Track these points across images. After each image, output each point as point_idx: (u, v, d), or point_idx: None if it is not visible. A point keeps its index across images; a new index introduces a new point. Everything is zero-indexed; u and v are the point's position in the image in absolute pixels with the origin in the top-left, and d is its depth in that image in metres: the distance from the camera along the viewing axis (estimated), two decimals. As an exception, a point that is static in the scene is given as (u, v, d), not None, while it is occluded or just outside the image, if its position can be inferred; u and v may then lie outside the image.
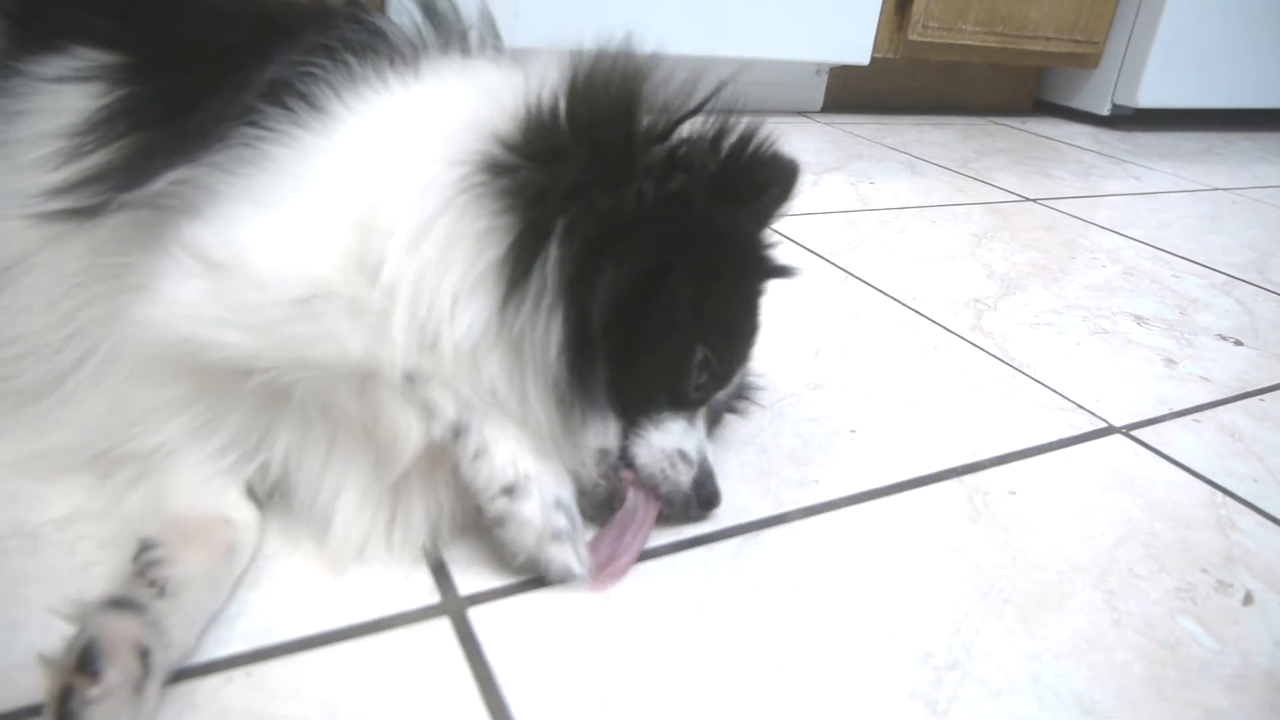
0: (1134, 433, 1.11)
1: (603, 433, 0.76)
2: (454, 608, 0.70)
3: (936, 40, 2.77)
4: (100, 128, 0.88)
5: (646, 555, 0.78)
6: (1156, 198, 2.36)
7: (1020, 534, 0.88)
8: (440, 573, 0.74)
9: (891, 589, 0.78)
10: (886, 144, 2.58)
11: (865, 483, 0.93)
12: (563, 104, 0.75)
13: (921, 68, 3.06)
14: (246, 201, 0.76)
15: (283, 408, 0.74)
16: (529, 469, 0.72)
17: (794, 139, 2.42)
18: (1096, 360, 1.31)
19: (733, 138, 0.77)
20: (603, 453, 0.77)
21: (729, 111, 0.77)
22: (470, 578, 0.73)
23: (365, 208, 0.74)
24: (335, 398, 0.72)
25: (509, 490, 0.71)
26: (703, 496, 0.79)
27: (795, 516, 0.86)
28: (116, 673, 0.55)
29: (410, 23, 0.90)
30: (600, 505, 0.78)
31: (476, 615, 0.70)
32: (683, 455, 0.78)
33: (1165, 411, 1.18)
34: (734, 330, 0.83)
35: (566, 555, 0.71)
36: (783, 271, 0.86)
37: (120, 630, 0.58)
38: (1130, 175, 2.59)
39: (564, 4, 2.05)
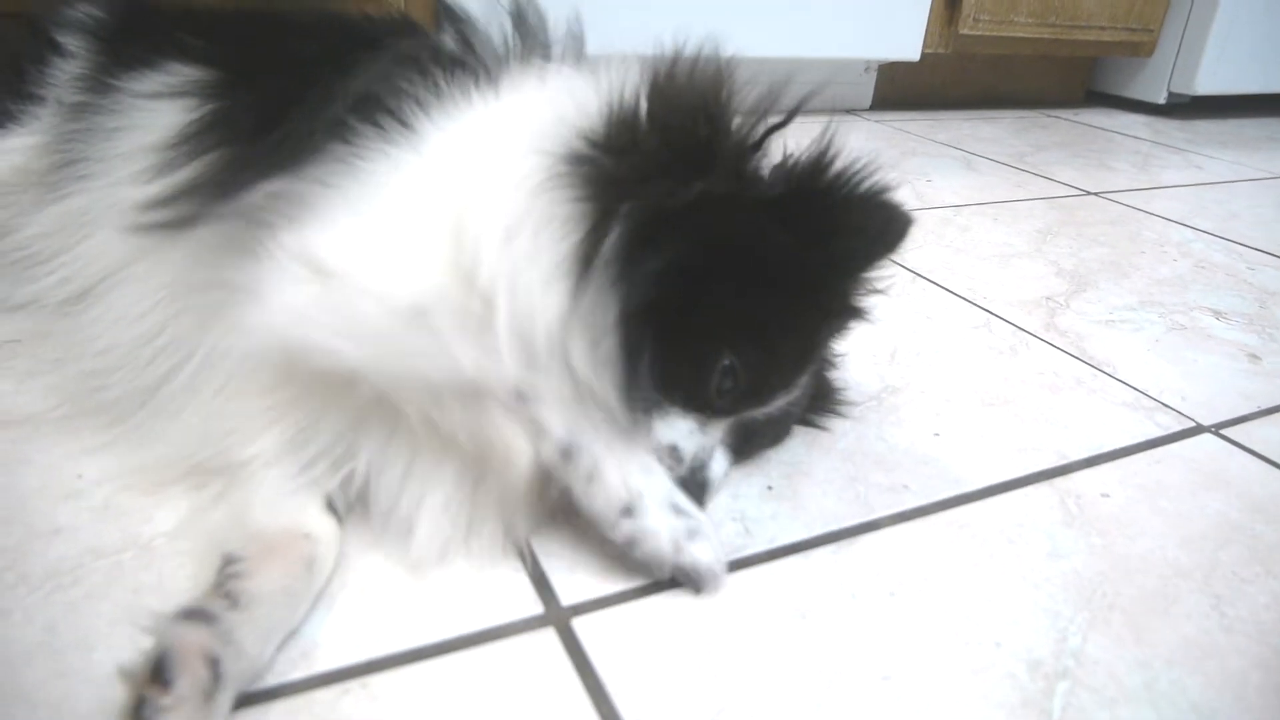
0: (1224, 431, 1.08)
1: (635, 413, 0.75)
2: (558, 618, 0.71)
3: (988, 34, 2.73)
4: (192, 141, 0.90)
5: (740, 563, 0.78)
6: (1222, 187, 2.30)
7: (1118, 538, 0.86)
8: (541, 583, 0.74)
9: (992, 595, 0.77)
10: (939, 140, 2.55)
11: (955, 487, 0.92)
12: (643, 102, 0.76)
13: (971, 61, 3.02)
14: (346, 211, 0.77)
15: (372, 417, 0.75)
16: (639, 484, 0.72)
17: (846, 138, 2.40)
18: (1177, 357, 1.28)
19: (828, 173, 0.76)
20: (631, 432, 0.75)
21: (834, 141, 0.76)
22: (571, 587, 0.74)
23: (459, 221, 0.74)
24: (442, 413, 0.72)
25: (627, 510, 0.71)
26: (696, 496, 0.77)
27: (887, 522, 0.85)
28: (187, 682, 0.56)
29: (498, 32, 0.91)
30: None
31: (580, 625, 0.70)
32: (673, 451, 0.76)
33: (1254, 409, 1.15)
34: (773, 350, 0.79)
35: (707, 554, 0.72)
36: (853, 313, 0.85)
37: (191, 640, 0.59)
38: (1192, 165, 2.53)
39: (617, 10, 2.05)
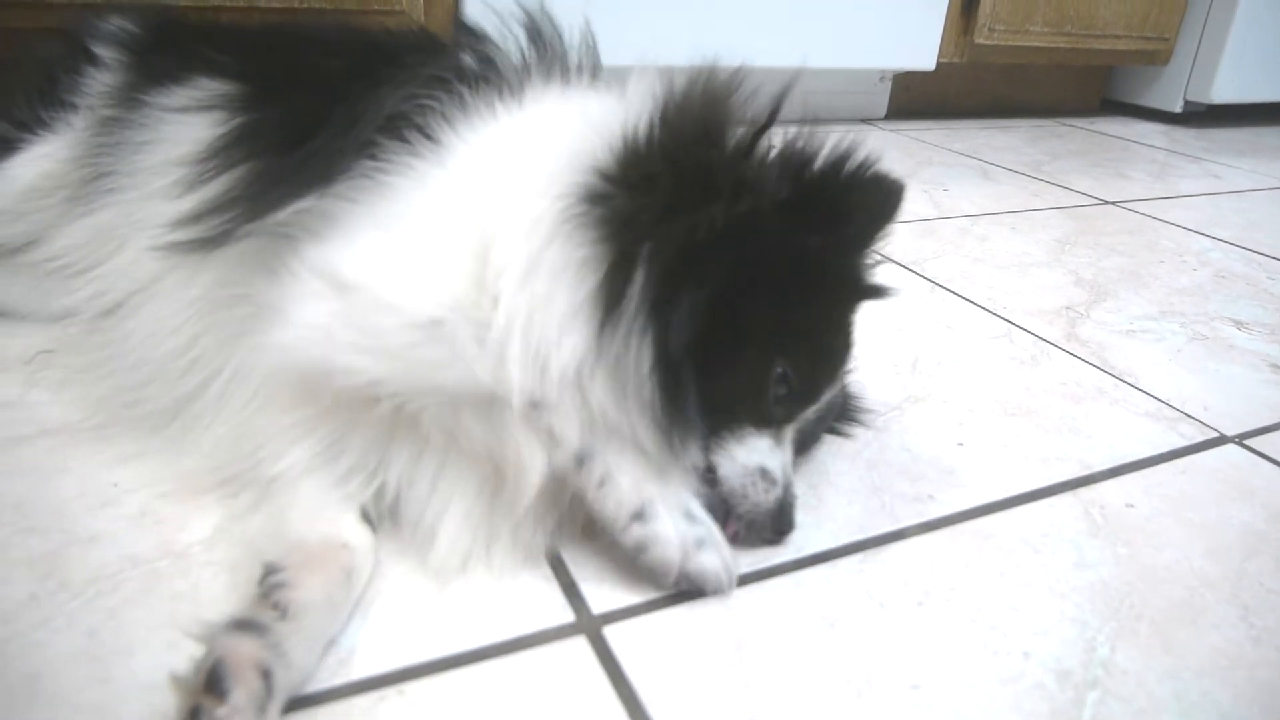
0: (1247, 442, 1.08)
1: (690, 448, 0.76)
2: (589, 626, 0.71)
3: (1003, 43, 2.74)
4: (220, 155, 0.91)
5: (769, 572, 0.79)
6: (1240, 196, 2.30)
7: (1144, 548, 0.87)
8: (571, 591, 0.75)
9: (1019, 605, 0.77)
10: (955, 149, 2.56)
11: (979, 497, 0.92)
12: (656, 131, 0.76)
13: (985, 70, 3.03)
14: (369, 226, 0.78)
15: (400, 430, 0.76)
16: (652, 491, 0.72)
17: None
18: (1199, 367, 1.28)
19: (818, 162, 0.76)
20: (692, 468, 0.76)
21: (815, 131, 0.77)
22: (602, 595, 0.74)
23: (481, 237, 0.75)
24: (460, 423, 0.73)
25: (639, 515, 0.72)
26: (781, 522, 0.78)
27: (913, 532, 0.86)
28: (242, 693, 0.57)
29: (515, 48, 0.92)
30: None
31: (612, 633, 0.71)
32: (765, 473, 0.77)
33: (1278, 420, 1.15)
34: (817, 347, 0.81)
35: (715, 562, 0.72)
36: (876, 292, 0.85)
37: (245, 652, 0.60)
38: (1209, 174, 2.53)
39: (631, 22, 2.07)
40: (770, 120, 0.77)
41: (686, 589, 0.74)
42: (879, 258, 0.86)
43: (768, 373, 0.77)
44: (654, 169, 0.73)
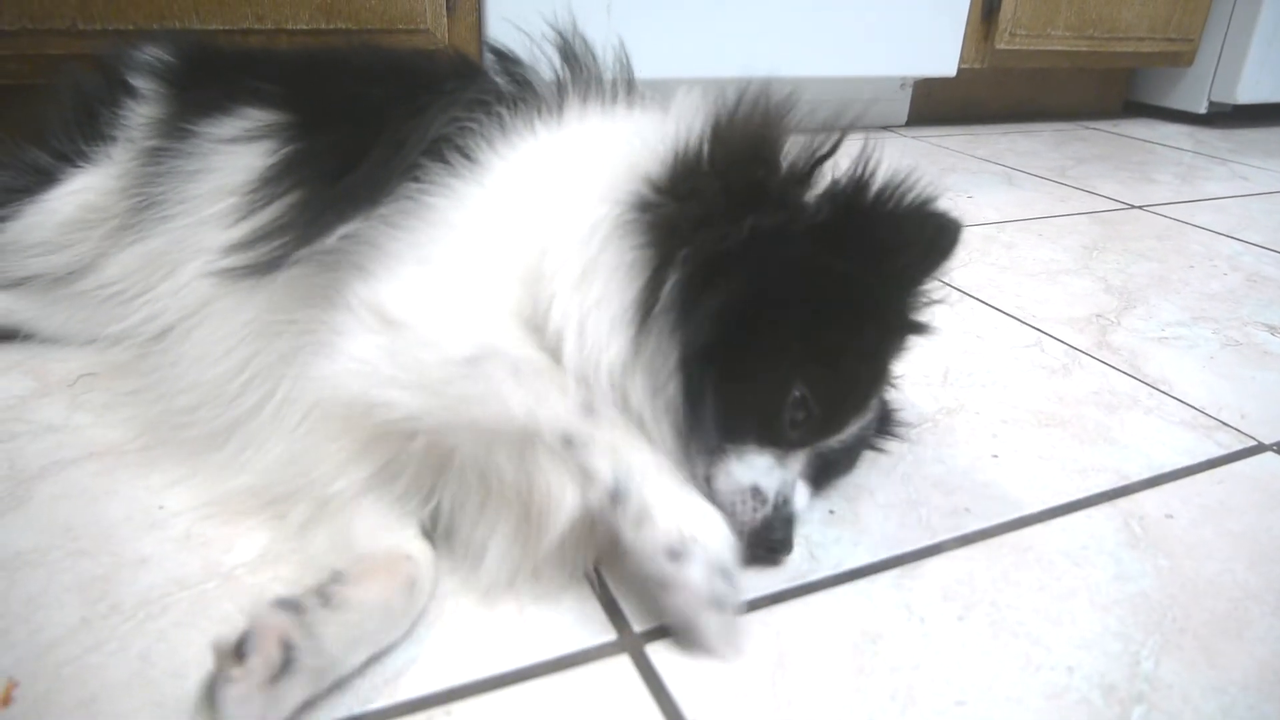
0: (1286, 449, 1.07)
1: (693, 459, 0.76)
2: (632, 645, 0.72)
3: (1025, 47, 2.73)
4: (271, 184, 0.93)
5: (809, 588, 0.79)
6: (1270, 198, 2.27)
7: (1184, 559, 0.86)
8: (613, 609, 0.75)
9: (1061, 619, 0.77)
10: (978, 155, 2.55)
11: (1016, 509, 0.92)
12: (706, 147, 0.78)
13: (1007, 75, 3.01)
14: (413, 258, 0.79)
15: (451, 457, 0.77)
16: (694, 531, 0.69)
17: (884, 154, 2.40)
18: (1233, 374, 1.27)
19: (871, 190, 0.76)
20: (690, 479, 0.76)
21: (873, 157, 0.77)
22: (642, 614, 0.75)
23: (531, 256, 0.76)
24: (493, 460, 0.72)
25: (673, 554, 0.69)
26: (767, 540, 0.76)
27: (950, 546, 0.86)
28: (258, 660, 0.59)
29: (551, 70, 0.94)
30: None
31: (654, 651, 0.71)
32: (756, 492, 0.76)
33: (1316, 426, 1.13)
34: (843, 375, 0.80)
35: (723, 629, 0.70)
36: (917, 328, 0.84)
37: (273, 623, 0.62)
38: (1236, 175, 2.50)
39: (660, 36, 2.08)
40: (833, 150, 0.78)
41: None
42: (933, 296, 0.85)
43: (784, 394, 0.76)
44: (701, 181, 0.76)
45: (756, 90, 0.81)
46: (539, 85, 0.92)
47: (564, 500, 0.70)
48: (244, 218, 0.91)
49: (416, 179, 0.82)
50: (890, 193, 0.77)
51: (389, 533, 0.75)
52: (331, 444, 0.78)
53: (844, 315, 0.78)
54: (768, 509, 0.76)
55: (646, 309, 0.73)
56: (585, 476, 0.70)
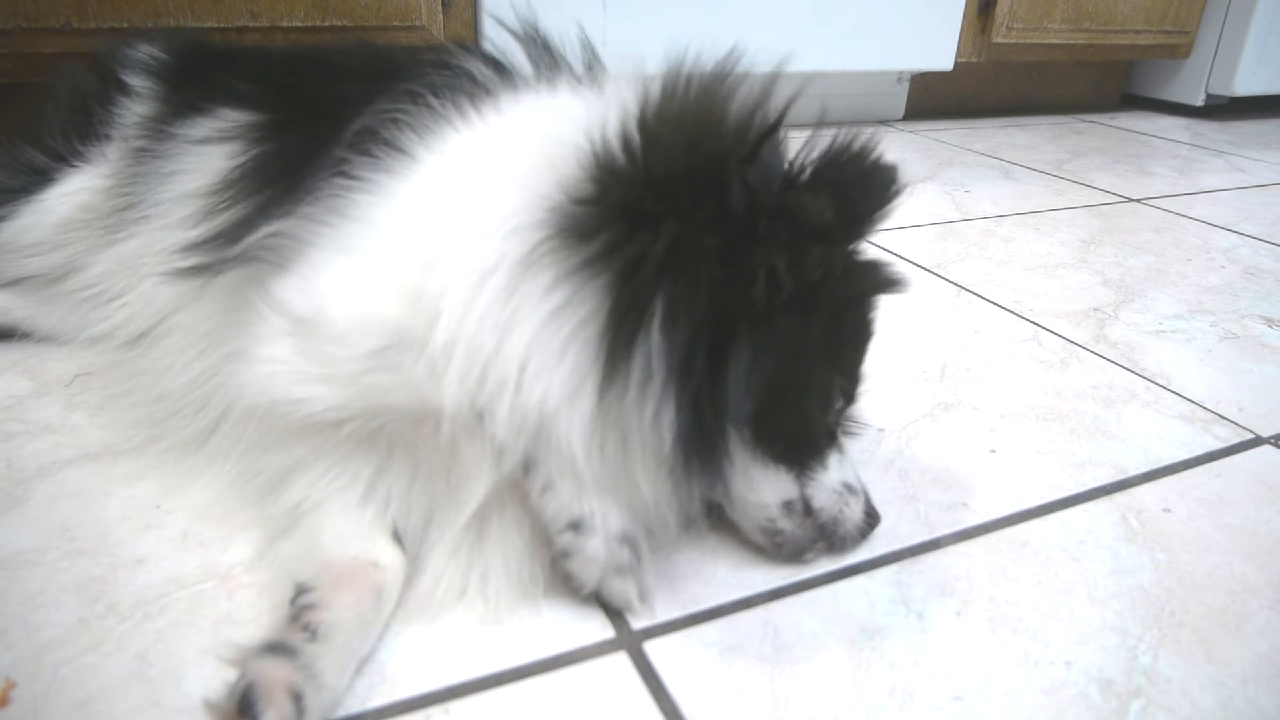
0: (1284, 442, 1.07)
1: (780, 485, 0.76)
2: (630, 642, 0.72)
3: (1021, 41, 2.72)
4: (234, 186, 0.91)
5: (807, 584, 0.79)
6: (1267, 190, 2.27)
7: (1182, 553, 0.86)
8: (610, 608, 0.75)
9: (1059, 613, 0.77)
10: (975, 149, 2.54)
11: (1014, 504, 0.92)
12: (635, 141, 0.70)
13: (1004, 68, 3.01)
14: (329, 251, 0.77)
15: (394, 458, 0.77)
16: (593, 505, 0.71)
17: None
18: (1231, 367, 1.27)
19: (840, 162, 0.72)
20: (788, 505, 0.77)
21: (825, 131, 0.73)
22: (639, 611, 0.75)
23: (428, 255, 0.72)
24: (419, 438, 0.73)
25: (575, 525, 0.71)
26: (872, 523, 0.81)
27: (948, 541, 0.86)
28: (273, 716, 0.58)
29: (500, 56, 0.90)
30: (797, 553, 0.79)
31: (652, 649, 0.71)
32: (850, 488, 0.79)
33: (1314, 419, 1.14)
34: (858, 350, 0.82)
35: (628, 589, 0.73)
36: (896, 286, 0.81)
37: (276, 675, 0.60)
38: (1234, 168, 2.50)
39: (646, 26, 2.07)
40: (775, 127, 0.72)
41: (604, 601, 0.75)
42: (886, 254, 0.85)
43: (831, 389, 0.78)
44: (641, 195, 0.68)
45: (687, 74, 0.75)
46: (479, 75, 0.86)
47: (481, 470, 0.71)
48: (205, 220, 0.90)
49: (343, 174, 0.79)
50: (858, 162, 0.72)
51: (356, 540, 0.74)
52: (281, 455, 0.78)
53: (853, 295, 0.78)
54: (861, 498, 0.80)
55: (607, 368, 0.67)
56: (499, 449, 0.70)
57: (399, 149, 0.78)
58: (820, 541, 0.79)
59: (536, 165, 0.72)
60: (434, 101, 0.81)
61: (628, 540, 0.73)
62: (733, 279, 0.68)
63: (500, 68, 0.89)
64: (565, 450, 0.69)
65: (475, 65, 0.87)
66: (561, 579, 0.76)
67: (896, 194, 0.74)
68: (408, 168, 0.77)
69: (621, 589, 0.73)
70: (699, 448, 0.70)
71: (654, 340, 0.66)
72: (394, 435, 0.75)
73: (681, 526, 0.79)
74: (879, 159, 0.73)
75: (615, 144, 0.70)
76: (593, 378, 0.67)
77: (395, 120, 0.80)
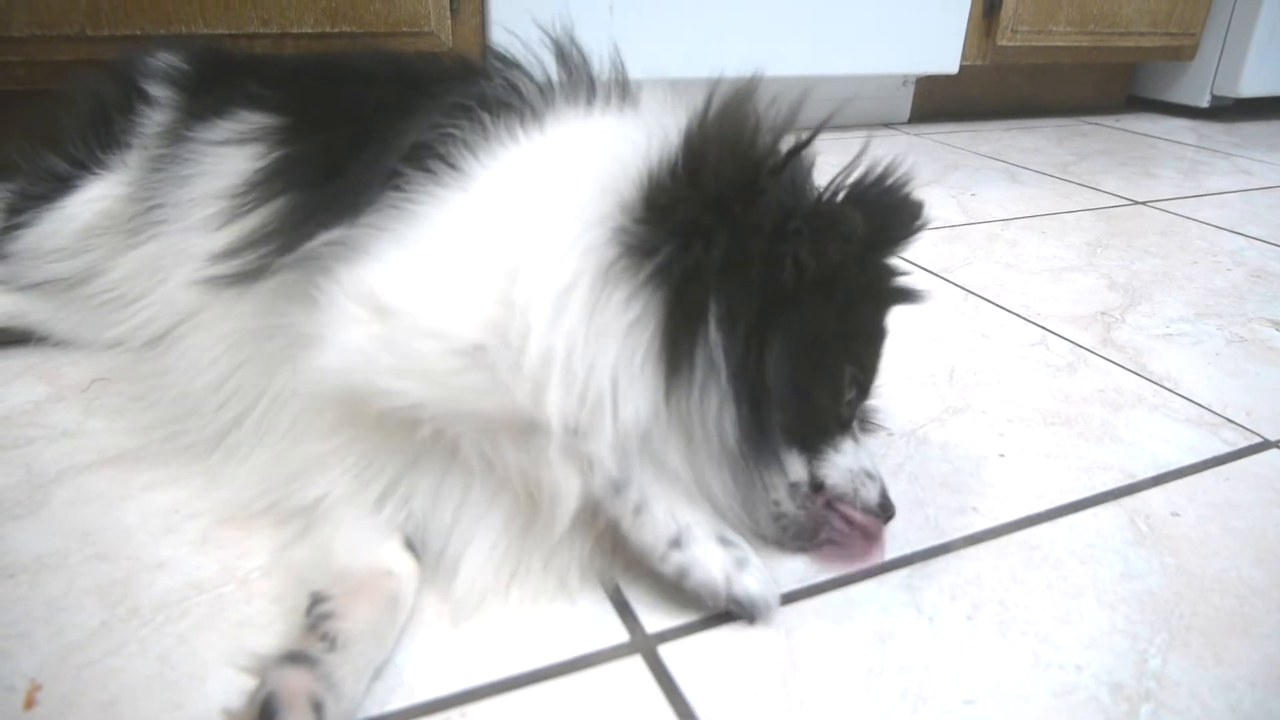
0: (1291, 446, 1.08)
1: (790, 468, 0.78)
2: (645, 646, 0.72)
3: (1026, 44, 2.73)
4: (258, 189, 0.92)
5: (819, 588, 0.80)
6: (1273, 193, 2.28)
7: (1190, 557, 0.87)
8: (625, 611, 0.76)
9: (1068, 617, 0.78)
10: (980, 152, 2.55)
11: (1023, 508, 0.93)
12: (684, 163, 0.74)
13: (1008, 71, 3.02)
14: (399, 249, 0.77)
15: (424, 459, 0.77)
16: (687, 518, 0.74)
17: (886, 153, 2.40)
18: (1239, 370, 1.28)
19: (875, 189, 0.78)
20: (794, 486, 0.79)
21: (862, 158, 0.79)
22: (654, 615, 0.75)
23: (510, 263, 0.73)
24: (498, 450, 0.73)
25: (675, 542, 0.73)
26: (888, 511, 0.82)
27: (958, 545, 0.86)
28: None
29: (542, 71, 0.92)
30: (803, 535, 0.80)
31: (667, 652, 0.72)
32: (868, 473, 0.81)
33: (1321, 423, 1.14)
34: (873, 344, 0.85)
35: (758, 583, 0.73)
36: (913, 297, 0.86)
37: (296, 684, 0.61)
38: (1240, 170, 2.51)
39: (656, 36, 2.08)
40: (807, 142, 0.77)
41: (734, 612, 0.75)
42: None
43: (843, 381, 0.80)
44: (694, 211, 0.72)
45: (727, 93, 0.79)
46: (525, 90, 0.88)
47: (570, 489, 0.71)
48: (230, 223, 0.91)
49: (399, 187, 0.80)
50: (888, 186, 0.79)
51: (370, 548, 0.75)
52: (319, 444, 0.78)
53: (869, 295, 0.82)
54: (879, 483, 0.82)
55: (671, 370, 0.71)
56: (589, 465, 0.71)
57: (456, 166, 0.81)
58: (833, 527, 0.80)
59: (597, 186, 0.75)
60: (486, 118, 0.83)
61: (729, 540, 0.75)
62: (771, 273, 0.73)
63: (538, 83, 0.90)
64: (666, 465, 0.73)
65: (518, 78, 0.90)
66: (584, 579, 0.77)
67: (920, 227, 0.83)
68: (468, 179, 0.80)
69: (754, 581, 0.73)
70: (756, 439, 0.73)
71: (713, 339, 0.71)
72: (470, 444, 0.74)
73: (752, 530, 0.80)
74: (911, 192, 0.81)
75: (665, 168, 0.74)
76: (662, 386, 0.71)
77: (450, 136, 0.83)
